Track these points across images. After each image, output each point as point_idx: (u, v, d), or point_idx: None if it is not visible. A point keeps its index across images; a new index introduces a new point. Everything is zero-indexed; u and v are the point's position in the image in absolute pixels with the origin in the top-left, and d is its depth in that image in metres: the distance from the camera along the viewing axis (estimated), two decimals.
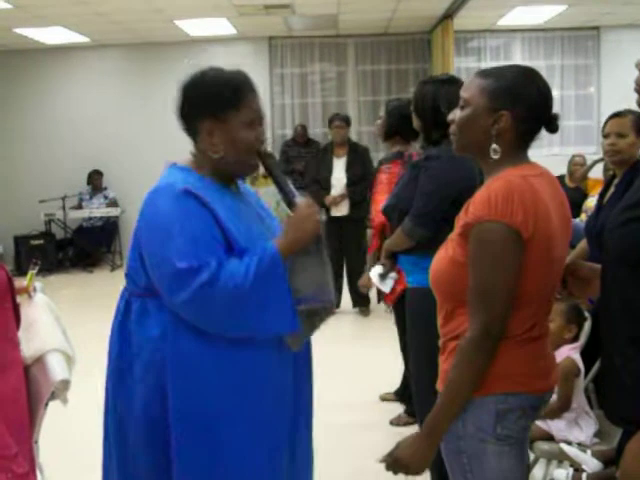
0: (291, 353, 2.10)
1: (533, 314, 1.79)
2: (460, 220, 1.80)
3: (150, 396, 2.01)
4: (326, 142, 8.37)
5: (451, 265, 1.80)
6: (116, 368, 2.11)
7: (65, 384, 2.43)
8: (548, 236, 1.75)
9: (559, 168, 7.88)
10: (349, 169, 6.68)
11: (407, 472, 1.79)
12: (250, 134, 2.04)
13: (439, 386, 1.84)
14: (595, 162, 7.19)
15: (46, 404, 2.45)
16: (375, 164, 6.15)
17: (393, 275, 3.29)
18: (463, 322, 1.78)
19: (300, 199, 2.05)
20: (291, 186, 2.09)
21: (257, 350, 2.02)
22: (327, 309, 2.07)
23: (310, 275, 2.01)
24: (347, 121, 6.88)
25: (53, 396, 2.46)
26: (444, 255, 1.85)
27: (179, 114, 2.09)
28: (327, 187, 6.68)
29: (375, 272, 3.35)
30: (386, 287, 3.30)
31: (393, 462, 1.80)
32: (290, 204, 2.04)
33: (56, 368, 2.41)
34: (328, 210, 6.66)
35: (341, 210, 6.69)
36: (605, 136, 3.34)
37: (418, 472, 1.77)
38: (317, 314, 2.04)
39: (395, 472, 1.81)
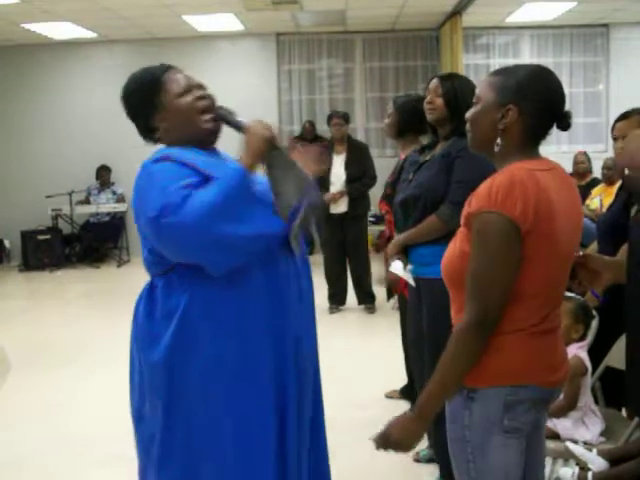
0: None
1: (540, 307, 1.82)
2: (464, 211, 1.84)
3: (181, 358, 2.09)
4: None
5: (460, 256, 1.84)
6: (146, 343, 2.16)
7: None
8: (551, 230, 1.76)
9: (567, 166, 7.91)
10: (348, 166, 6.67)
11: (396, 450, 1.84)
12: (185, 99, 2.18)
13: None
14: None
15: None
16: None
17: (410, 268, 3.26)
18: None
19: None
20: (240, 118, 2.19)
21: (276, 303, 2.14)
22: (315, 207, 2.16)
23: (288, 185, 2.09)
24: (346, 118, 6.88)
25: None
26: (453, 247, 1.90)
27: (138, 127, 2.27)
28: (326, 184, 6.63)
29: (399, 266, 3.28)
30: (411, 280, 3.26)
31: (383, 440, 1.83)
32: (241, 130, 2.15)
33: None
34: (327, 208, 6.64)
35: (340, 207, 6.68)
36: (614, 139, 3.32)
37: (406, 450, 1.83)
38: (308, 215, 2.13)
39: (385, 449, 1.85)
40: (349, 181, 6.62)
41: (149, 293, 2.16)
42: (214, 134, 2.25)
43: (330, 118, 6.90)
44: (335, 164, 6.72)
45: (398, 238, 3.34)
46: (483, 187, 1.79)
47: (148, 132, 2.26)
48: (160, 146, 2.25)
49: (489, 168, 2.88)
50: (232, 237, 1.98)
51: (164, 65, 2.27)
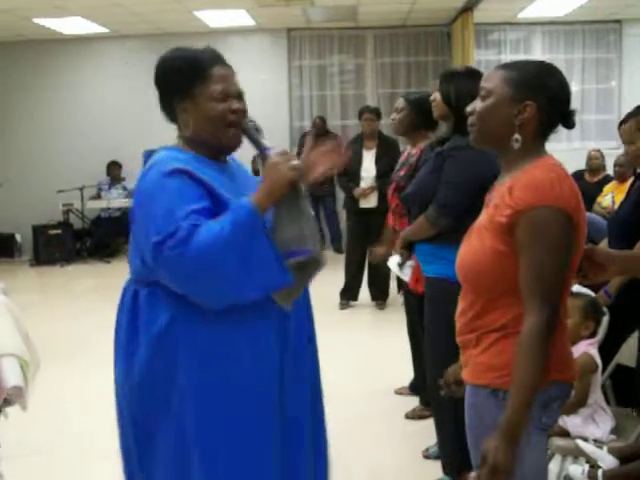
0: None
1: (565, 301, 1.81)
2: (501, 209, 1.76)
3: (158, 379, 2.01)
4: (348, 134, 8.41)
5: (492, 255, 1.77)
6: (126, 355, 2.09)
7: (18, 391, 2.35)
8: (583, 223, 1.77)
9: (579, 163, 7.87)
10: (379, 161, 6.67)
11: (499, 477, 1.67)
12: (218, 106, 2.02)
13: (474, 379, 1.84)
14: None
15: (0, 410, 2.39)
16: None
17: (411, 263, 3.25)
18: (506, 312, 1.77)
19: (274, 151, 2.01)
20: (266, 142, 2.05)
21: (258, 328, 2.02)
22: (313, 262, 1.99)
23: (290, 228, 1.94)
24: (377, 114, 6.88)
25: (8, 402, 2.39)
26: (478, 245, 1.82)
27: (160, 105, 2.14)
28: (356, 179, 6.67)
29: (394, 261, 3.32)
30: (406, 276, 3.27)
31: (492, 473, 1.67)
32: (264, 158, 2.02)
33: (9, 374, 2.34)
34: (357, 202, 6.67)
35: (370, 202, 6.68)
36: (623, 143, 3.19)
37: (508, 475, 1.67)
38: (304, 269, 1.97)
39: None
40: (379, 176, 6.60)
41: (132, 306, 2.06)
42: (233, 148, 2.12)
43: (361, 113, 6.86)
44: (365, 159, 6.73)
45: (401, 234, 3.38)
46: (524, 183, 1.73)
47: (168, 111, 2.13)
48: (170, 141, 2.16)
49: (480, 170, 2.82)
50: (229, 281, 1.88)
51: (215, 54, 2.13)
